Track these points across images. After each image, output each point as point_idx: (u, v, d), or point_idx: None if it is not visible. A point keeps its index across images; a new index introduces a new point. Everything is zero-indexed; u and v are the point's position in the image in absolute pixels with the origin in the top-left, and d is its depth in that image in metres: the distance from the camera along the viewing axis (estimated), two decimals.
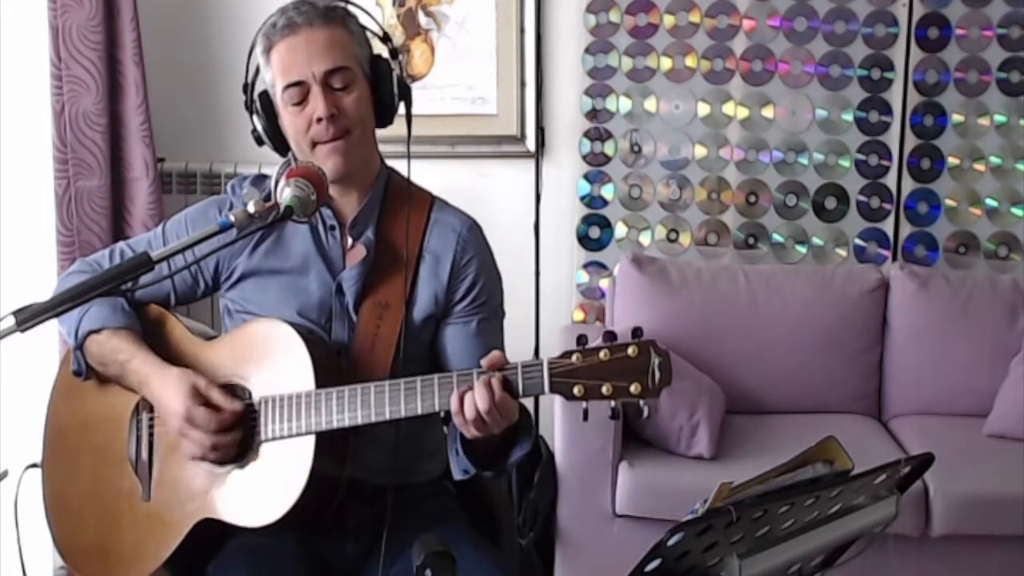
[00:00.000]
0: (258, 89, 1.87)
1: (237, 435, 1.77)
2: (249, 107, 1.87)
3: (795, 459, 1.39)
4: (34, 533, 1.93)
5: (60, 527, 1.91)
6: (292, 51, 1.79)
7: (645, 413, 1.61)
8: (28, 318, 1.48)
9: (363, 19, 1.89)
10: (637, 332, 1.60)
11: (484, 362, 1.67)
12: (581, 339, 1.63)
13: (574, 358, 1.61)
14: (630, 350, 1.60)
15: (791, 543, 1.36)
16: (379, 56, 1.87)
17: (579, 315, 3.68)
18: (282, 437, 1.75)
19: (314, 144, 1.81)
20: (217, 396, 1.77)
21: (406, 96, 1.88)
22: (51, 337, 2.82)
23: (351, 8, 1.87)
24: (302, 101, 1.80)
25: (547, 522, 2.99)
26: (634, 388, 1.59)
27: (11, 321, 1.47)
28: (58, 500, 1.92)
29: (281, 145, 1.87)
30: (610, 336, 1.63)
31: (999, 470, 2.95)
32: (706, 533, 1.25)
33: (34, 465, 1.94)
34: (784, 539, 1.35)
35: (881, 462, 1.42)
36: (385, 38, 1.90)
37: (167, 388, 1.79)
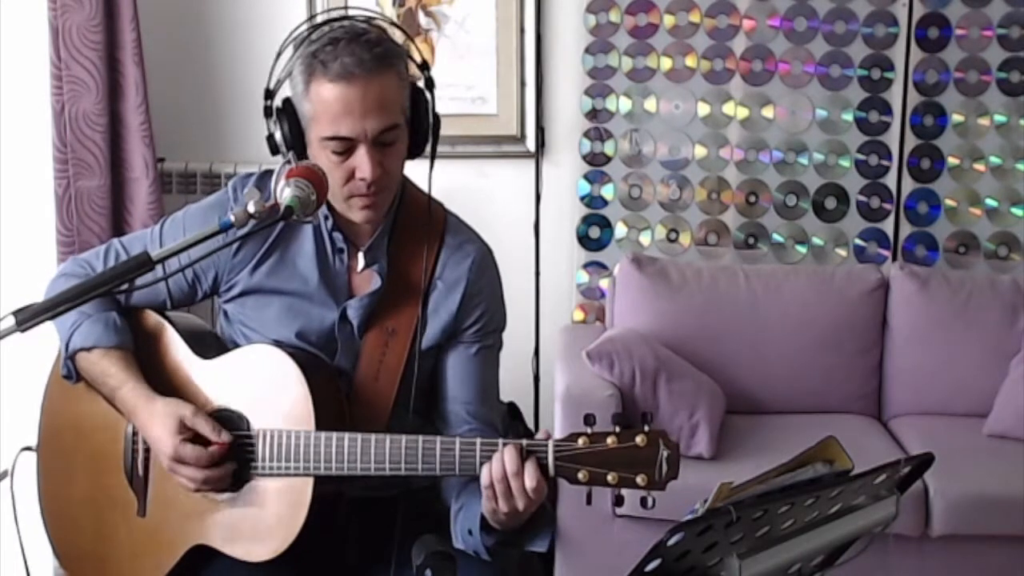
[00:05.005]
0: (281, 95, 1.76)
1: (230, 467, 1.74)
2: (269, 113, 1.76)
3: (795, 459, 1.38)
4: (33, 529, 1.92)
5: (56, 528, 1.90)
6: (345, 103, 1.67)
7: (651, 504, 1.58)
8: (28, 318, 1.47)
9: (392, 35, 1.78)
10: (646, 417, 1.58)
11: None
12: (589, 419, 1.59)
13: (580, 441, 1.58)
14: (639, 439, 1.56)
15: (791, 543, 1.35)
16: (417, 90, 1.78)
17: (579, 315, 3.68)
18: (278, 474, 1.72)
19: (350, 195, 1.74)
20: (205, 427, 1.73)
21: (436, 129, 1.80)
22: (52, 329, 2.81)
23: (395, 37, 1.76)
24: (345, 152, 1.70)
25: None
26: (640, 480, 1.56)
27: (11, 321, 1.47)
28: (53, 500, 1.90)
29: (300, 155, 1.76)
30: (619, 418, 1.59)
31: (999, 470, 2.95)
32: (706, 533, 1.25)
33: (28, 448, 1.91)
34: (784, 539, 1.35)
35: (881, 462, 1.42)
36: (424, 66, 1.80)
37: (154, 423, 1.74)
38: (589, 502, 1.59)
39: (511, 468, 1.58)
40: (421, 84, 1.80)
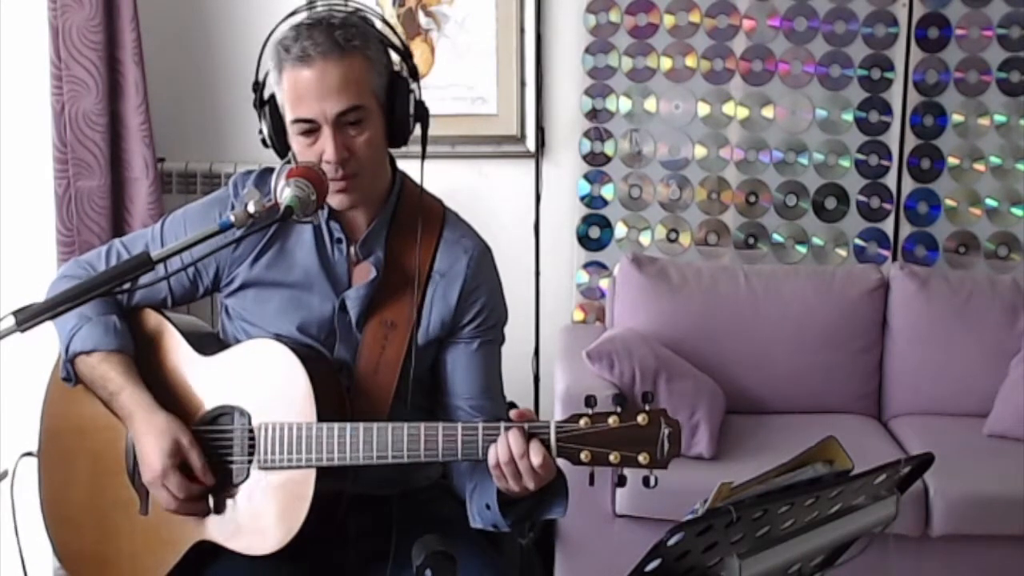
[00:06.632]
0: (268, 91, 1.79)
1: (205, 506, 1.75)
2: (257, 106, 1.79)
3: (795, 459, 1.39)
4: (33, 531, 1.92)
5: (57, 531, 1.90)
6: (303, 85, 1.70)
7: (652, 483, 1.59)
8: (28, 318, 1.47)
9: (378, 25, 1.78)
10: (647, 396, 1.59)
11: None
12: (590, 400, 1.60)
13: (582, 422, 1.59)
14: (640, 418, 1.58)
15: (791, 543, 1.35)
16: (397, 77, 1.78)
17: (579, 315, 3.68)
18: (280, 467, 1.73)
19: None
20: (196, 463, 1.73)
21: (423, 118, 1.81)
22: (52, 330, 2.82)
23: (371, 23, 1.76)
24: (311, 135, 1.72)
25: (547, 522, 2.99)
26: (643, 458, 1.58)
27: (11, 321, 1.47)
28: (55, 503, 1.90)
29: (285, 150, 1.79)
30: (620, 399, 1.61)
31: (999, 470, 2.95)
32: (706, 533, 1.25)
33: (29, 454, 1.91)
34: (784, 539, 1.35)
35: (881, 462, 1.42)
36: (405, 54, 1.80)
37: (150, 436, 1.74)
38: (592, 483, 1.61)
39: (516, 450, 1.60)
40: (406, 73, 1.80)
